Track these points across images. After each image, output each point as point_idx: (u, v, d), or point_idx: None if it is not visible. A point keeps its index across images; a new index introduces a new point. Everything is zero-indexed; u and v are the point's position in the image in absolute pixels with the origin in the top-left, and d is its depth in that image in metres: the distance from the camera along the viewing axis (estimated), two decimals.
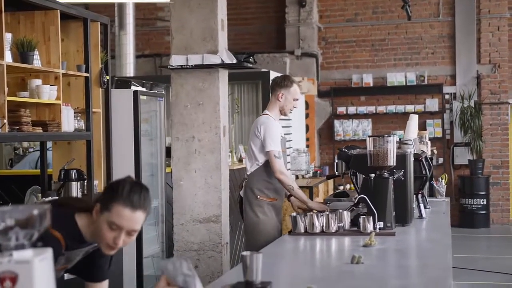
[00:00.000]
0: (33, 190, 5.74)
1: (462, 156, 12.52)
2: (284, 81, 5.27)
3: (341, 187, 12.36)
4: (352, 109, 12.84)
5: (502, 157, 12.55)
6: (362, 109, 12.80)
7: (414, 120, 5.46)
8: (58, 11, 5.16)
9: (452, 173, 12.63)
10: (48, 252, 1.78)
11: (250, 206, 5.18)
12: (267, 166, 5.15)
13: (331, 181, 10.95)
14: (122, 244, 2.60)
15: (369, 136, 4.42)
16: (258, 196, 5.15)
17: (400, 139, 5.24)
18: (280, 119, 6.91)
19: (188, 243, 5.63)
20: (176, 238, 5.64)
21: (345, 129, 12.89)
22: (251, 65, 5.94)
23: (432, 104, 12.59)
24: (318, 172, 10.79)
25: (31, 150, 8.72)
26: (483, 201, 12.19)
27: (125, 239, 2.59)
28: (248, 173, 5.24)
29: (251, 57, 5.92)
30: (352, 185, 12.14)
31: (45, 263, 1.76)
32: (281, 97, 5.23)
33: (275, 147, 5.06)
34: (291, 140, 10.41)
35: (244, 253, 2.73)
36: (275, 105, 5.26)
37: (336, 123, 12.88)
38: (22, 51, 4.79)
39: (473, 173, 12.27)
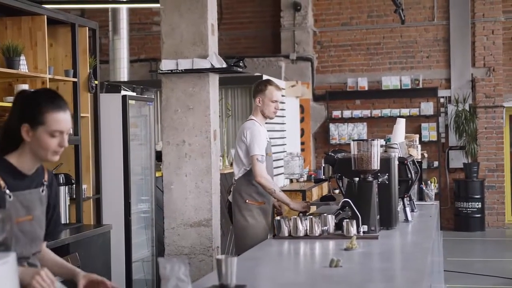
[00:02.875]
0: None
1: (457, 160, 12.53)
2: (259, 86, 5.42)
3: (337, 191, 12.36)
4: (347, 113, 12.86)
5: (497, 160, 12.56)
6: (357, 113, 12.82)
7: (401, 124, 5.48)
8: (45, 16, 5.18)
9: (447, 176, 12.64)
10: (11, 257, 1.80)
11: (239, 210, 5.27)
12: None
13: (325, 185, 10.96)
14: (66, 143, 2.71)
15: (353, 140, 4.44)
16: (247, 200, 5.26)
17: (386, 142, 5.26)
18: (272, 123, 6.93)
19: (179, 247, 5.64)
20: (167, 242, 5.66)
21: (340, 133, 12.90)
22: (241, 70, 5.95)
23: (427, 107, 12.60)
24: (313, 176, 10.79)
25: None
26: (478, 205, 12.19)
27: (65, 140, 2.72)
28: (236, 178, 5.35)
29: (241, 62, 5.93)
30: None
31: (7, 267, 1.77)
32: (260, 102, 5.37)
33: (259, 152, 5.17)
34: (285, 144, 10.43)
35: (219, 257, 2.75)
36: (257, 109, 5.40)
37: (332, 127, 12.90)
38: (8, 56, 4.81)
39: (468, 177, 12.28)
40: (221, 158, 7.99)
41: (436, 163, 12.51)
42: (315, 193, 9.89)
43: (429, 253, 3.66)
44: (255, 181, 5.17)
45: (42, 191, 2.81)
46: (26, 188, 2.73)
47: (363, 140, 4.42)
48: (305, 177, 10.39)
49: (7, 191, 2.65)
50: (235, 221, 5.30)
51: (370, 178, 4.38)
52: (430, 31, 12.78)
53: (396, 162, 4.65)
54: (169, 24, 5.73)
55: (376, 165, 4.36)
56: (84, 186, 5.70)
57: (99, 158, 5.98)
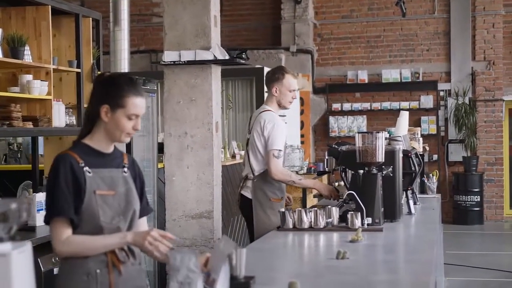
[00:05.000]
0: (25, 185, 5.76)
1: (457, 153, 12.54)
2: (276, 74, 5.15)
3: (336, 184, 12.37)
4: (347, 106, 12.86)
5: (496, 154, 12.58)
6: (357, 106, 12.83)
7: (404, 117, 5.48)
8: (49, 6, 5.17)
9: (447, 169, 12.66)
10: (27, 246, 1.80)
11: (262, 208, 5.04)
12: None
13: (325, 177, 10.97)
14: (139, 127, 2.88)
15: (358, 133, 4.44)
16: (271, 199, 5.05)
17: (390, 135, 5.25)
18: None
19: (180, 239, 5.63)
20: None
21: (340, 126, 12.91)
22: (243, 61, 5.93)
23: (427, 101, 12.61)
24: (313, 168, 10.79)
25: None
26: (477, 198, 12.22)
27: (139, 124, 2.88)
28: (255, 173, 5.09)
29: (244, 53, 5.92)
30: None
31: (24, 256, 1.77)
32: (276, 91, 5.13)
33: (277, 146, 4.94)
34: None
35: None
36: (272, 99, 5.16)
37: (331, 119, 12.90)
38: (13, 47, 4.80)
39: (467, 170, 12.30)
40: (222, 150, 7.98)
41: (435, 157, 12.52)
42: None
43: (435, 246, 3.67)
44: (271, 178, 4.95)
45: (125, 172, 2.93)
46: (106, 167, 2.87)
47: (367, 132, 4.42)
48: (305, 170, 10.39)
49: (86, 168, 2.79)
50: (257, 218, 5.04)
51: (374, 171, 4.38)
52: (430, 24, 12.77)
53: (401, 155, 4.65)
54: (172, 15, 5.72)
55: (380, 157, 4.36)
56: None
57: None
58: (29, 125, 4.92)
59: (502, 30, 12.54)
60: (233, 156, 7.94)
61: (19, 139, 8.68)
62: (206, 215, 5.67)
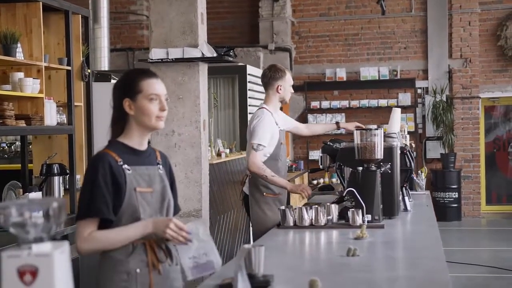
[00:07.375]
0: (11, 185, 5.66)
1: (434, 150, 12.65)
2: (278, 73, 5.23)
3: (315, 181, 12.39)
4: (325, 104, 12.89)
5: (473, 150, 12.71)
6: (336, 104, 12.86)
7: (397, 114, 5.49)
8: (40, 3, 5.08)
9: (425, 166, 12.74)
10: (66, 245, 1.77)
11: (257, 204, 5.12)
12: (270, 162, 5.09)
13: (305, 175, 11.00)
14: (166, 107, 2.84)
15: (357, 129, 4.43)
16: (265, 193, 5.12)
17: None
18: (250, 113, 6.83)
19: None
20: None
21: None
22: (231, 59, 5.92)
23: (405, 98, 12.69)
24: (293, 166, 10.81)
25: (3, 144, 8.61)
26: (454, 195, 12.33)
27: (165, 104, 2.85)
28: (250, 170, 5.10)
29: (232, 51, 5.90)
30: (327, 179, 12.10)
31: (64, 256, 1.74)
32: (280, 89, 5.22)
33: (257, 140, 5.01)
34: None
35: (247, 246, 2.72)
36: (274, 97, 5.24)
37: (310, 117, 12.92)
38: (5, 44, 4.71)
39: (445, 167, 12.41)
40: (208, 148, 7.94)
41: (414, 154, 12.59)
42: (298, 183, 9.91)
43: (440, 242, 3.68)
44: (248, 170, 5.04)
45: (160, 169, 2.91)
46: (142, 164, 2.85)
47: (366, 129, 4.41)
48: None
49: (125, 165, 2.78)
50: (253, 213, 5.14)
51: (373, 168, 4.38)
52: (408, 22, 12.85)
53: (398, 151, 4.67)
54: (158, 12, 5.68)
55: (379, 154, 4.36)
56: (77, 176, 5.62)
57: (92, 148, 5.90)
58: (22, 123, 4.84)
59: (478, 28, 12.66)
60: (219, 154, 7.89)
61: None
62: (194, 214, 5.65)
